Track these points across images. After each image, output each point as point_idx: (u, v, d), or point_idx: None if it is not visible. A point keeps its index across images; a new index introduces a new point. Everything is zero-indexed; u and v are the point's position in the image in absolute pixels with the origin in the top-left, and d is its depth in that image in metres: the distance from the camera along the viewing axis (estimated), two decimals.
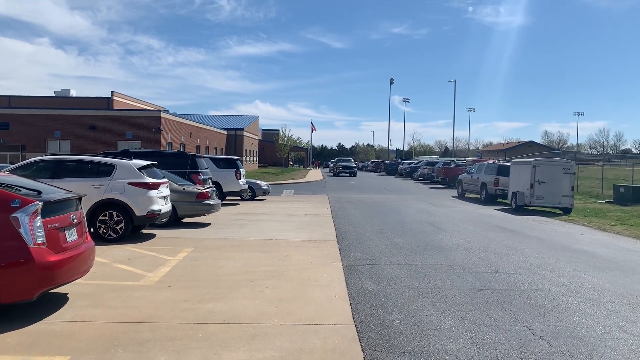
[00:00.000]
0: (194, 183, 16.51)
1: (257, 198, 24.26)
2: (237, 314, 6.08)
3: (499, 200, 25.22)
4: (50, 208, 5.94)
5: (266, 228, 13.88)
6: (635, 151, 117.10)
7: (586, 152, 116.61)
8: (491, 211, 20.80)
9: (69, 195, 6.58)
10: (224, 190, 21.10)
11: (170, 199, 13.30)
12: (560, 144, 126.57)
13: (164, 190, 11.94)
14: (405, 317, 6.08)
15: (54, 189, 6.70)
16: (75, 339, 5.12)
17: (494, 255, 10.28)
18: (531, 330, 5.68)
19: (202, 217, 14.64)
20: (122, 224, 10.97)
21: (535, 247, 11.63)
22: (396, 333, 5.52)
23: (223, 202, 21.06)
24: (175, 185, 13.77)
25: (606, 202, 26.53)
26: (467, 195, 28.43)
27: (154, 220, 11.48)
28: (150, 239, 11.48)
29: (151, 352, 4.83)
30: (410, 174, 52.50)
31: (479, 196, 26.26)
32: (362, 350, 5.02)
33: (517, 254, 10.53)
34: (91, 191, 10.95)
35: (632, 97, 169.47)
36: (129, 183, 11.12)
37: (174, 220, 13.60)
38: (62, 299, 6.49)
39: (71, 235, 6.23)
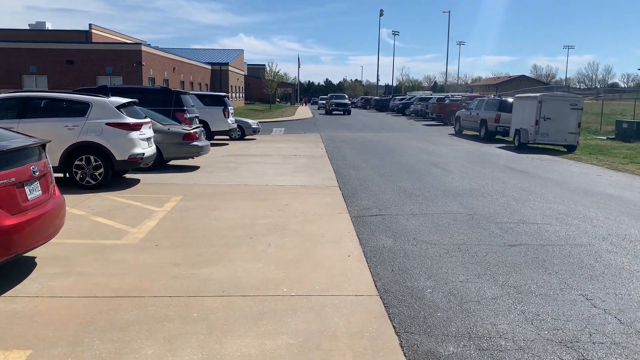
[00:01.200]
0: (180, 122, 15.23)
1: (246, 137, 23.04)
2: (238, 282, 5.11)
3: (498, 137, 24.28)
4: (4, 159, 4.80)
5: (260, 172, 12.81)
6: (622, 85, 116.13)
7: (574, 86, 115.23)
8: (493, 149, 19.87)
9: (29, 142, 5.40)
10: (211, 130, 19.83)
11: (155, 141, 12.10)
12: (549, 78, 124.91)
13: (147, 131, 10.72)
14: (437, 285, 5.16)
15: (10, 135, 5.52)
16: (39, 323, 4.13)
17: (514, 202, 9.38)
18: (590, 300, 4.80)
19: (190, 160, 13.48)
20: (101, 170, 9.82)
21: (555, 190, 10.75)
22: (432, 307, 4.61)
23: (211, 142, 19.84)
24: (159, 125, 12.53)
25: (607, 138, 25.72)
26: (464, 132, 27.44)
27: (136, 165, 10.34)
28: (133, 186, 10.39)
29: (135, 341, 3.86)
30: (402, 110, 51.18)
31: (478, 133, 25.28)
32: (396, 332, 4.11)
33: (539, 200, 9.64)
34: (64, 133, 9.72)
35: (621, 30, 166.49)
36: (107, 124, 9.87)
37: (160, 164, 12.46)
38: (28, 265, 5.47)
39: (33, 192, 5.11)
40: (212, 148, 16.59)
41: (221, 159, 15.06)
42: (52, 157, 9.62)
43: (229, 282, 5.11)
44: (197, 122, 16.58)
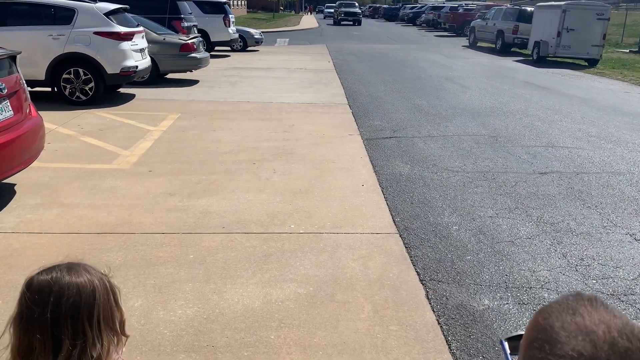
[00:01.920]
0: (177, 32, 14.15)
1: (248, 49, 21.81)
2: (240, 216, 4.55)
3: (514, 50, 22.97)
4: None
5: (263, 87, 11.96)
6: None
7: None
8: (510, 63, 18.73)
9: None
10: (211, 40, 18.63)
11: (149, 52, 11.18)
12: None
13: (140, 42, 9.79)
14: (464, 221, 4.60)
15: None
16: (13, 267, 3.61)
17: (540, 122, 8.64)
18: (639, 241, 4.24)
19: (189, 73, 12.59)
20: (91, 84, 9.03)
21: (582, 109, 9.96)
22: (460, 249, 4.06)
23: (211, 53, 18.75)
24: (153, 35, 11.54)
25: (630, 51, 24.35)
26: (479, 44, 25.98)
27: (129, 78, 9.52)
28: (128, 101, 9.65)
29: (122, 290, 3.34)
30: (412, 20, 48.73)
31: (494, 45, 23.89)
32: (420, 280, 3.58)
33: (566, 120, 8.89)
34: (48, 43, 8.84)
35: None
36: (95, 33, 8.95)
37: (156, 77, 11.61)
38: (6, 194, 4.90)
39: (2, 112, 4.43)
40: (212, 60, 15.59)
41: (222, 72, 14.14)
42: (38, 70, 8.88)
43: (229, 216, 4.55)
44: (196, 32, 15.45)
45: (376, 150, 6.83)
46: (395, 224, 4.48)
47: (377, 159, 6.42)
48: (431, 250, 4.03)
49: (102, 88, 9.19)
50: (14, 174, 4.69)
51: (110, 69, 9.01)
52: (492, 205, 4.96)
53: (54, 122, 7.72)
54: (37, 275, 1.13)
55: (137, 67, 9.38)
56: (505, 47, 22.91)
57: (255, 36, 21.89)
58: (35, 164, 5.44)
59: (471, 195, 5.20)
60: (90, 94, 9.06)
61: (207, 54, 12.51)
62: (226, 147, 6.75)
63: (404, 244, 4.12)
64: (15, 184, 5.14)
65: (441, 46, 26.00)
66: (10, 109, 4.56)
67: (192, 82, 12.21)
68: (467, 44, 26.84)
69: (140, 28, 10.03)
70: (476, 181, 5.64)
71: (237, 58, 18.42)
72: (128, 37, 9.29)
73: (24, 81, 4.99)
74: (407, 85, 12.61)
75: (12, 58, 4.85)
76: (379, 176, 5.75)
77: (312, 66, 16.39)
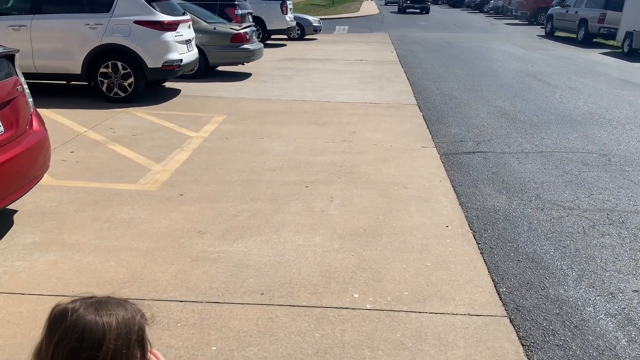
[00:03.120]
0: (230, 20, 13.15)
1: (306, 37, 20.67)
2: (286, 273, 3.40)
3: (597, 41, 20.67)
4: None
5: (320, 82, 10.77)
6: None
7: None
8: (597, 56, 16.66)
9: None
10: (267, 28, 17.60)
11: (198, 43, 10.22)
12: None
13: (186, 32, 8.80)
14: (599, 297, 3.25)
15: None
16: None
17: None
18: None
19: (241, 66, 11.54)
20: (130, 79, 8.12)
21: None
22: (605, 353, 2.74)
23: (266, 42, 17.77)
24: (203, 24, 10.56)
25: None
26: (556, 34, 23.71)
27: (172, 74, 8.55)
28: (171, 99, 8.70)
29: None
30: (479, 6, 46.07)
31: (575, 36, 21.65)
32: None
33: None
34: (85, 33, 7.98)
35: None
36: (136, 22, 8.01)
37: (205, 70, 10.65)
38: (3, 226, 3.95)
39: None
40: (267, 50, 14.56)
41: (276, 65, 13.04)
42: (73, 63, 8.04)
43: (271, 272, 3.40)
44: (250, 20, 14.43)
45: (458, 170, 5.51)
46: (500, 299, 3.19)
47: (460, 183, 5.11)
48: (562, 352, 2.73)
49: (143, 84, 8.26)
50: (9, 204, 3.72)
51: (151, 63, 8.06)
52: (633, 268, 3.58)
53: (85, 124, 6.84)
54: (62, 303, 1.06)
55: (181, 60, 8.39)
56: (588, 38, 20.67)
57: (314, 24, 20.70)
58: (48, 181, 4.52)
59: (598, 250, 3.83)
60: (130, 90, 8.15)
61: (260, 45, 11.43)
62: (275, 161, 5.61)
63: (519, 337, 2.83)
64: (16, 211, 4.19)
65: (513, 36, 23.91)
66: (0, 124, 3.57)
67: (243, 76, 11.17)
68: (543, 34, 24.59)
69: (187, 16, 9.02)
70: (599, 225, 4.24)
71: (293, 47, 17.30)
72: (172, 26, 8.29)
73: (26, 86, 4.00)
74: (484, 81, 11.08)
75: (9, 57, 3.86)
76: (467, 212, 4.45)
77: (374, 57, 15.04)
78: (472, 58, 15.07)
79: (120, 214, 4.25)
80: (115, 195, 4.61)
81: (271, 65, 12.83)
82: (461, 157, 5.99)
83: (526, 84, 10.93)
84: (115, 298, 1.10)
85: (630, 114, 8.26)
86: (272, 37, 18.83)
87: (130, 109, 7.76)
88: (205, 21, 10.65)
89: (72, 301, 1.07)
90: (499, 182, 5.18)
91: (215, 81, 10.40)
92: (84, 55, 7.97)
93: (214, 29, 10.63)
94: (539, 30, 27.24)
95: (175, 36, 8.35)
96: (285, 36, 19.65)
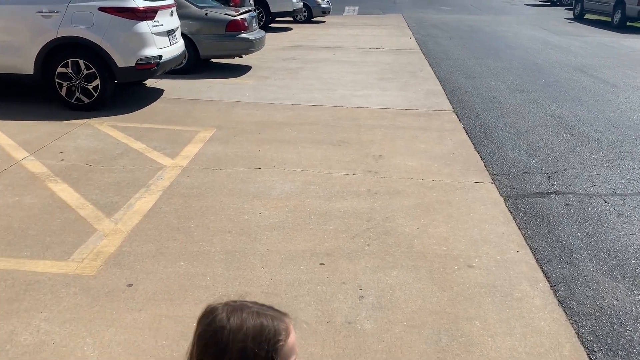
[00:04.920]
0: (227, 3, 11.40)
1: (313, 19, 18.84)
2: None
3: (631, 25, 18.72)
4: None
5: (331, 78, 9.05)
6: None
7: None
8: (638, 43, 14.79)
9: None
10: (271, 11, 15.80)
11: (187, 32, 8.53)
12: None
13: (167, 21, 7.10)
14: None
15: None
16: None
17: None
18: None
19: (238, 58, 9.83)
20: (96, 82, 6.46)
21: None
22: None
23: (270, 26, 16.00)
24: (192, 9, 8.84)
25: None
26: (586, 16, 21.71)
27: (149, 74, 6.87)
28: (149, 104, 7.04)
29: None
30: None
31: (609, 19, 19.65)
32: None
33: None
34: (37, 23, 6.30)
35: None
36: (101, 8, 6.31)
37: (195, 63, 8.96)
38: None
39: None
40: (270, 35, 12.84)
41: (280, 54, 11.30)
42: (24, 60, 6.37)
43: None
44: (251, 3, 12.65)
45: (536, 228, 3.85)
46: None
47: (548, 256, 3.46)
48: None
49: (112, 87, 6.61)
50: None
51: (121, 61, 6.38)
52: None
53: (28, 144, 5.22)
54: (214, 303, 1.08)
55: (160, 57, 6.70)
56: (623, 22, 18.71)
57: (322, 5, 18.83)
58: None
59: None
60: (95, 95, 6.49)
61: (262, 34, 9.69)
62: (275, 212, 3.97)
63: None
64: None
65: (538, 18, 21.94)
66: None
67: (240, 70, 9.47)
68: (571, 17, 22.57)
69: (169, 1, 7.30)
70: None
71: (300, 32, 15.52)
72: (148, 14, 6.59)
73: None
74: (526, 78, 9.32)
75: None
76: (578, 322, 2.81)
77: (391, 44, 13.27)
78: (502, 46, 13.25)
79: (25, 333, 2.64)
80: (28, 288, 2.99)
81: (274, 55, 11.10)
82: (533, 201, 4.32)
83: (577, 81, 9.17)
84: (264, 306, 1.08)
85: None
86: (277, 19, 17.03)
87: (94, 121, 6.11)
88: (195, 5, 8.92)
89: (221, 303, 1.07)
90: (603, 254, 3.53)
91: (206, 77, 8.71)
92: (37, 51, 6.31)
93: (206, 14, 8.89)
94: (564, 12, 25.23)
95: (153, 26, 6.65)
96: (290, 19, 17.84)
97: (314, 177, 4.68)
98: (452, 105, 7.39)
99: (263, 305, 1.09)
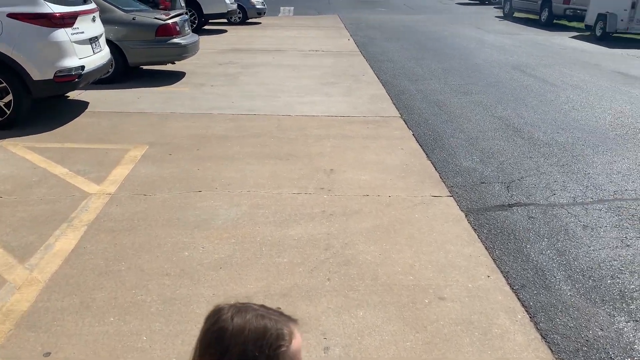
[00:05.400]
0: (156, 5, 10.73)
1: (249, 20, 18.32)
2: None
3: (559, 23, 19.42)
4: None
5: (273, 83, 8.63)
6: None
7: None
8: (570, 41, 15.27)
9: None
10: (204, 13, 15.15)
11: (114, 38, 7.86)
12: None
13: (89, 27, 6.43)
14: None
15: None
16: None
17: None
18: None
19: (171, 64, 9.20)
20: (8, 97, 5.73)
21: None
22: None
23: (204, 28, 15.36)
24: (118, 13, 8.16)
25: None
26: (515, 14, 22.35)
27: (71, 87, 6.20)
28: (71, 119, 6.36)
29: None
30: None
31: (537, 17, 20.29)
32: None
33: None
34: None
35: None
36: (10, 15, 5.59)
37: (124, 71, 8.29)
38: None
39: None
40: (205, 38, 12.24)
41: (217, 59, 10.74)
42: None
43: None
44: (182, 5, 12.01)
45: (503, 246, 3.61)
46: None
47: (521, 280, 3.21)
48: None
49: (28, 103, 5.89)
50: None
51: (37, 74, 5.69)
52: None
53: None
54: (219, 305, 1.08)
55: (82, 67, 6.05)
56: (551, 19, 19.36)
57: (257, 6, 18.31)
58: None
59: None
60: (8, 112, 5.77)
61: (195, 38, 9.11)
62: (220, 244, 3.52)
63: None
64: None
65: (470, 17, 22.39)
66: None
67: (174, 77, 8.86)
68: (501, 15, 23.21)
69: (90, 5, 6.64)
70: None
71: (236, 34, 14.97)
72: (67, 21, 5.92)
73: None
74: (468, 79, 9.26)
75: None
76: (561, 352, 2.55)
77: (330, 46, 12.99)
78: (441, 47, 13.26)
79: None
80: None
81: (210, 60, 10.53)
82: (495, 216, 4.09)
83: (518, 81, 9.19)
84: (270, 310, 1.07)
85: None
86: (210, 21, 16.38)
87: (7, 142, 5.41)
88: (120, 9, 8.24)
89: (229, 304, 1.07)
90: (577, 274, 3.32)
91: (136, 87, 8.06)
92: None
93: (133, 19, 8.23)
94: (494, 10, 25.95)
95: (73, 34, 5.99)
96: (225, 20, 17.22)
97: (262, 199, 4.25)
98: (398, 110, 7.15)
99: (270, 308, 1.08)
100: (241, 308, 1.05)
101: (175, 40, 8.40)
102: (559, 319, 2.87)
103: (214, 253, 3.42)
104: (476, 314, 2.88)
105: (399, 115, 6.90)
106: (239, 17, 17.72)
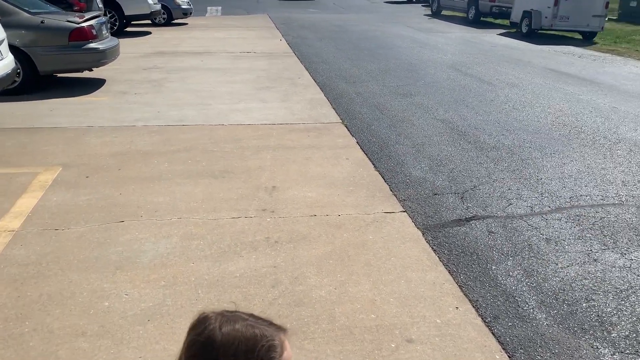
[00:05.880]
0: (70, 6, 9.83)
1: (175, 21, 17.46)
2: None
3: (486, 20, 19.91)
4: None
5: (203, 89, 8.04)
6: None
7: None
8: (498, 38, 15.57)
9: None
10: (126, 14, 14.20)
11: (20, 44, 7.02)
12: None
13: None
14: None
15: None
16: None
17: None
18: None
19: (87, 71, 8.39)
20: None
21: None
22: None
23: (126, 30, 14.43)
24: (24, 16, 7.30)
25: (609, 19, 21.89)
26: (443, 12, 22.71)
27: None
28: None
29: None
30: None
31: (464, 15, 20.68)
32: None
33: None
34: None
35: None
36: None
37: (33, 82, 7.43)
38: None
39: None
40: (126, 40, 11.44)
41: (140, 63, 9.98)
42: None
43: None
44: (100, 6, 11.11)
45: (471, 272, 3.30)
46: None
47: (497, 314, 2.90)
48: None
49: None
50: None
51: None
52: None
53: None
54: (206, 311, 1.02)
55: None
56: (478, 17, 19.77)
57: (183, 6, 17.46)
58: None
59: None
60: None
61: (115, 42, 8.34)
62: (147, 288, 2.98)
63: None
64: None
65: (400, 16, 22.51)
66: None
67: (92, 85, 8.08)
68: (429, 13, 23.52)
69: None
70: None
71: (161, 36, 14.14)
72: None
73: None
74: (406, 80, 9.06)
75: None
76: None
77: (262, 47, 12.48)
78: (374, 46, 13.07)
79: None
80: None
81: (133, 64, 9.76)
82: (454, 232, 3.78)
83: (455, 80, 9.08)
84: (260, 319, 1.02)
85: (602, 124, 6.66)
86: (133, 22, 15.41)
87: None
88: (26, 11, 7.37)
89: (215, 312, 1.02)
90: (550, 298, 3.05)
91: (49, 97, 7.25)
92: None
93: (42, 22, 7.38)
94: (421, 9, 26.31)
95: None
96: (149, 21, 16.27)
97: (196, 227, 3.73)
98: (339, 115, 6.78)
99: (259, 318, 1.03)
100: (229, 317, 1.00)
101: (92, 45, 7.63)
102: (540, 356, 2.57)
103: (140, 301, 2.89)
104: (450, 358, 2.53)
105: (341, 121, 6.53)
106: (164, 18, 16.84)
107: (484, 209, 4.16)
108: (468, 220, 3.97)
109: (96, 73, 8.58)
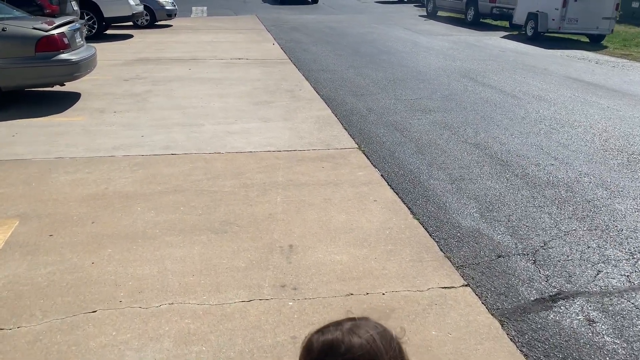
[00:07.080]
0: (41, 10, 8.72)
1: (158, 23, 16.34)
2: None
3: (485, 22, 19.09)
4: None
5: (193, 106, 7.01)
6: None
7: None
8: (504, 42, 14.72)
9: None
10: (105, 16, 13.07)
11: None
12: None
13: None
14: None
15: None
16: None
17: None
18: None
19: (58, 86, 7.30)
20: None
21: None
22: None
23: (106, 33, 13.31)
24: None
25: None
26: (439, 13, 21.85)
27: None
28: None
29: None
30: None
31: (462, 16, 19.83)
32: None
33: None
34: None
35: None
36: None
37: None
38: None
39: None
40: (106, 45, 10.39)
41: (121, 73, 8.90)
42: None
43: None
44: (76, 9, 9.99)
45: None
46: None
47: None
48: None
49: None
50: None
51: None
52: None
53: None
54: (317, 335, 0.98)
55: None
56: (478, 19, 18.93)
57: (167, 7, 16.33)
58: None
59: None
60: None
61: (91, 51, 7.27)
62: None
63: None
64: None
65: (393, 17, 21.59)
66: None
67: (65, 101, 7.01)
68: (424, 14, 22.63)
69: None
70: None
71: (144, 40, 13.04)
72: None
73: None
74: (419, 92, 8.11)
75: None
76: None
77: (255, 53, 11.47)
78: (375, 51, 12.12)
79: None
80: None
81: (113, 74, 8.69)
82: (541, 322, 2.83)
83: (474, 92, 8.16)
84: (360, 320, 1.00)
85: None
86: (113, 25, 14.27)
87: None
88: None
89: (322, 331, 0.98)
90: None
91: (11, 118, 6.17)
92: None
93: (3, 30, 6.29)
94: (415, 9, 25.43)
95: None
96: (130, 23, 15.13)
97: (194, 321, 2.73)
98: (353, 139, 5.81)
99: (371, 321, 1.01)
100: (350, 327, 0.97)
101: (64, 56, 6.55)
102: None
103: None
104: None
105: (357, 146, 5.56)
106: (147, 20, 15.73)
107: (568, 281, 3.21)
108: (553, 299, 3.02)
109: (70, 86, 7.49)
